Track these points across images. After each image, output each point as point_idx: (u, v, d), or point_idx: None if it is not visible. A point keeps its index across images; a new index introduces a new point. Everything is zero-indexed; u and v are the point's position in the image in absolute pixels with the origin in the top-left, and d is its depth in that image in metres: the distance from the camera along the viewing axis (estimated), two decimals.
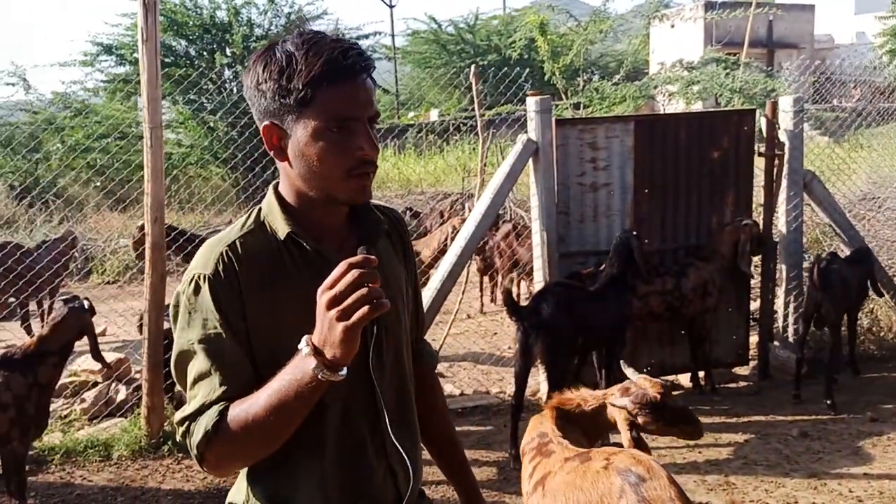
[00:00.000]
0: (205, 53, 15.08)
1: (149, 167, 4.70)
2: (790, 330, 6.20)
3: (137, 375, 5.82)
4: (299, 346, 1.30)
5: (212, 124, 14.28)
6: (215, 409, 1.39)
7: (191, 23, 14.82)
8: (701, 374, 5.89)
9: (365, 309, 1.23)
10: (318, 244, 1.50)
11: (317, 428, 1.48)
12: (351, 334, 1.24)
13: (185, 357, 1.45)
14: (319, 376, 1.27)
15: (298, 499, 1.52)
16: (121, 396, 5.47)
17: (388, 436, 1.58)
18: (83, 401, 5.46)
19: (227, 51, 14.98)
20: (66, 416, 5.32)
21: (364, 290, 1.23)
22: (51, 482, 4.67)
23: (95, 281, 10.47)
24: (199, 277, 1.45)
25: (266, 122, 1.48)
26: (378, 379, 1.55)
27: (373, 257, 1.27)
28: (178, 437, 1.46)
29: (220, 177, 14.86)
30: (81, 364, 5.72)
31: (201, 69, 14.50)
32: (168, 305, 5.46)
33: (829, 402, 5.37)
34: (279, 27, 15.40)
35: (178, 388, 5.36)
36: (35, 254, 7.06)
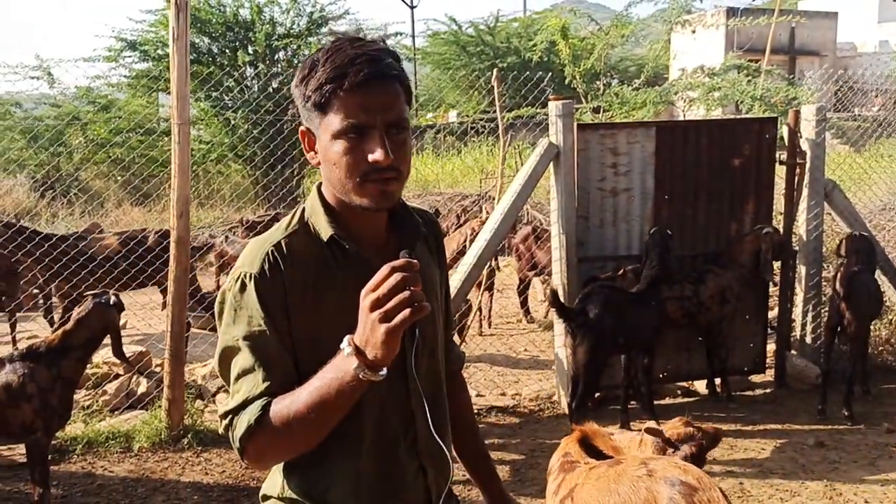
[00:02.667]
0: (227, 51, 15.16)
1: (176, 163, 4.77)
2: (808, 339, 6.18)
3: (158, 368, 5.91)
4: (341, 346, 1.33)
5: (233, 121, 14.36)
6: (258, 404, 1.43)
7: (214, 20, 14.91)
8: (717, 381, 5.89)
9: (407, 312, 1.26)
10: (360, 246, 1.54)
11: (354, 425, 1.52)
12: (392, 336, 1.27)
13: (230, 353, 1.50)
14: (360, 376, 1.31)
15: (332, 494, 1.56)
16: (142, 389, 5.55)
17: (422, 435, 1.62)
18: (105, 392, 5.54)
19: (250, 49, 15.06)
20: (88, 407, 5.40)
21: (406, 294, 1.26)
22: (73, 472, 4.75)
23: None
24: (245, 276, 1.49)
25: (302, 127, 1.55)
26: (414, 379, 1.59)
27: (415, 261, 1.30)
28: (220, 430, 1.51)
29: (239, 174, 14.95)
30: (104, 356, 5.79)
31: (224, 67, 14.60)
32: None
33: (846, 412, 5.36)
34: (301, 26, 15.46)
35: (200, 381, 5.43)
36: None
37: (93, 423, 5.22)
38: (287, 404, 1.40)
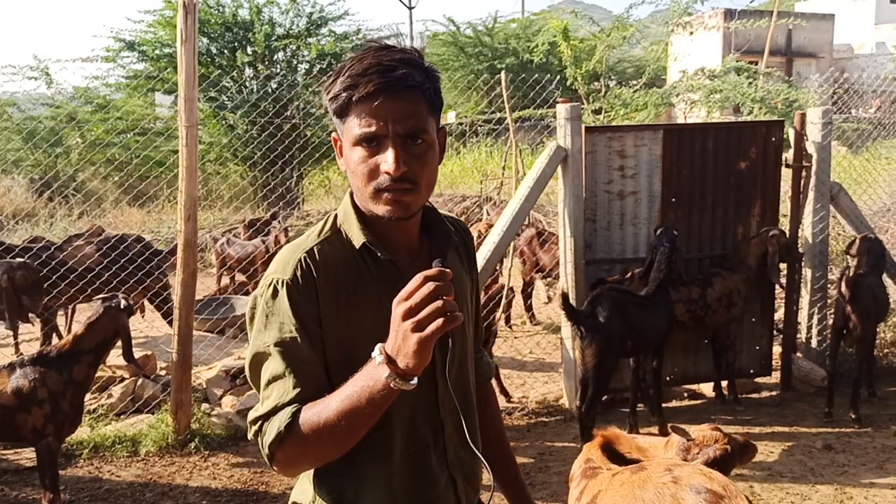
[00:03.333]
0: (226, 52, 15.09)
1: (183, 165, 4.75)
2: (814, 341, 6.19)
3: (163, 372, 5.88)
4: (373, 354, 1.33)
5: (232, 122, 14.30)
6: (288, 411, 1.42)
7: (213, 21, 14.84)
8: (724, 383, 5.89)
9: (439, 321, 1.25)
10: (392, 254, 1.54)
11: (384, 434, 1.51)
12: (425, 345, 1.26)
13: (261, 359, 1.49)
14: (391, 384, 1.30)
15: (365, 502, 1.56)
16: (148, 392, 5.52)
17: (451, 445, 1.62)
18: (110, 396, 5.51)
19: (249, 49, 14.99)
20: (93, 411, 5.37)
21: (439, 303, 1.25)
22: (80, 476, 4.72)
23: None
24: (277, 282, 1.49)
25: (333, 133, 1.55)
26: (445, 389, 1.58)
27: (448, 270, 1.29)
28: (249, 436, 1.50)
29: (239, 175, 14.90)
30: (108, 359, 5.76)
31: (223, 67, 14.54)
32: (198, 302, 5.46)
33: (853, 415, 5.37)
34: (300, 27, 15.40)
35: (205, 384, 5.40)
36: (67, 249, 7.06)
37: (99, 427, 5.19)
38: (317, 411, 1.39)
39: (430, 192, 1.54)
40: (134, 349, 5.73)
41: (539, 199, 10.05)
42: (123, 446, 4.99)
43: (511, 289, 6.23)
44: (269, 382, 1.46)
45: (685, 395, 6.03)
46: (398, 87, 1.42)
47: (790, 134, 6.08)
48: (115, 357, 5.51)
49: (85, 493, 4.53)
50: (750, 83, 10.59)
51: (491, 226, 6.34)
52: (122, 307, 4.02)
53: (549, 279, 7.69)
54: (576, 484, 2.68)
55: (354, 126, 1.44)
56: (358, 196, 1.52)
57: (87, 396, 5.43)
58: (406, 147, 1.44)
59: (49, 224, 11.85)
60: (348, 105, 1.44)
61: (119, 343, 4.29)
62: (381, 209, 1.47)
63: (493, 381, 2.21)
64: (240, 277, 8.88)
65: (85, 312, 5.55)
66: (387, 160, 1.42)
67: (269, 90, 14.13)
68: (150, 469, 4.81)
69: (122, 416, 5.38)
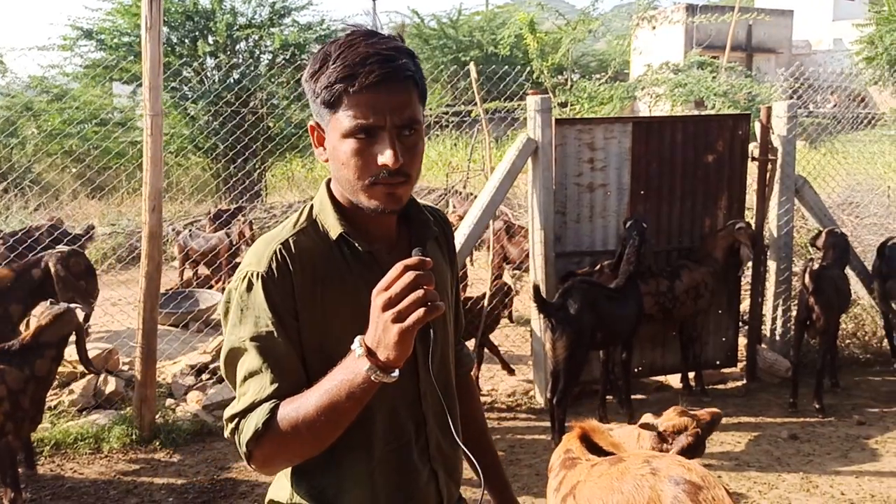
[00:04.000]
0: (186, 41, 14.81)
1: (148, 155, 4.65)
2: (778, 333, 6.28)
3: (126, 367, 5.76)
4: (352, 347, 1.29)
5: (193, 113, 14.05)
6: (266, 407, 1.37)
7: (173, 9, 14.55)
8: (691, 374, 5.94)
9: (420, 311, 1.22)
10: (370, 245, 1.50)
11: (364, 428, 1.48)
12: (405, 336, 1.23)
13: (236, 354, 1.44)
14: (372, 377, 1.26)
15: (345, 499, 1.52)
16: (110, 388, 5.39)
17: (433, 439, 1.59)
18: (72, 392, 5.37)
19: (210, 39, 14.72)
20: (54, 407, 5.23)
21: (420, 293, 1.22)
22: (41, 474, 4.59)
23: None
24: (252, 275, 1.44)
25: (311, 122, 1.50)
26: (426, 381, 1.55)
27: (428, 259, 1.26)
28: (226, 433, 1.45)
29: (200, 166, 14.66)
30: (69, 355, 5.61)
31: (183, 57, 14.28)
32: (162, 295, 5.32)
33: (817, 405, 5.45)
34: (263, 16, 15.18)
35: (170, 380, 5.29)
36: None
37: (60, 424, 5.05)
38: (295, 407, 1.35)
39: (417, 180, 1.50)
40: (97, 343, 5.64)
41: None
42: (86, 443, 4.87)
43: (509, 286, 6.25)
44: (245, 378, 1.42)
45: (653, 386, 6.07)
46: (396, 78, 1.38)
47: (756, 127, 6.15)
48: (74, 352, 5.38)
49: (47, 492, 4.41)
50: (713, 77, 10.72)
51: (461, 218, 6.31)
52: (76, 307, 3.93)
53: (517, 272, 7.69)
54: (555, 474, 2.67)
55: (348, 117, 1.38)
56: (346, 188, 1.46)
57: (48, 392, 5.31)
58: (401, 138, 1.40)
59: (4, 217, 11.54)
60: (343, 95, 1.38)
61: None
62: (374, 202, 1.43)
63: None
64: (203, 271, 8.73)
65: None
66: (385, 152, 1.38)
67: (232, 81, 13.90)
68: (113, 466, 4.70)
69: (84, 413, 5.25)
